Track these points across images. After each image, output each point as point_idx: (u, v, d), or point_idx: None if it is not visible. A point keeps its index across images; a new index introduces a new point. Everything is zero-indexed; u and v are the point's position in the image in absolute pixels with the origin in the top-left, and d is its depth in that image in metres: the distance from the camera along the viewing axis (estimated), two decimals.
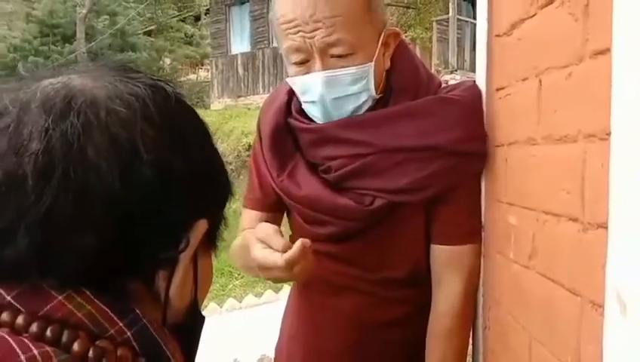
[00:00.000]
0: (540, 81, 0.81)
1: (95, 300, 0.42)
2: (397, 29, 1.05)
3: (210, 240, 0.50)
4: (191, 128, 0.48)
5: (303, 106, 1.05)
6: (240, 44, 12.94)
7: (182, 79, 15.87)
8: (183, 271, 0.46)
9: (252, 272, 1.00)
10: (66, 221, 0.41)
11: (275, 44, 12.06)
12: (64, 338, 0.40)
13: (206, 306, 5.25)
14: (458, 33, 10.50)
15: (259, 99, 10.41)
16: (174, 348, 0.45)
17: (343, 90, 0.98)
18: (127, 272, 0.43)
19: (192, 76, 16.87)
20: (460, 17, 10.55)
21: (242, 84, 12.60)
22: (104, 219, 0.41)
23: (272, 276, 0.90)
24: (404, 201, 1.01)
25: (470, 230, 1.06)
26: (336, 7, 0.94)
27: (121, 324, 0.42)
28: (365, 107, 1.02)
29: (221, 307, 5.11)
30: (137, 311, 0.43)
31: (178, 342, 0.46)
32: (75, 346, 0.40)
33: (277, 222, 1.16)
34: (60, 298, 0.41)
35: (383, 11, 1.02)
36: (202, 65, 17.34)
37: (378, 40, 0.99)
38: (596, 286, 0.62)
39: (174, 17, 18.12)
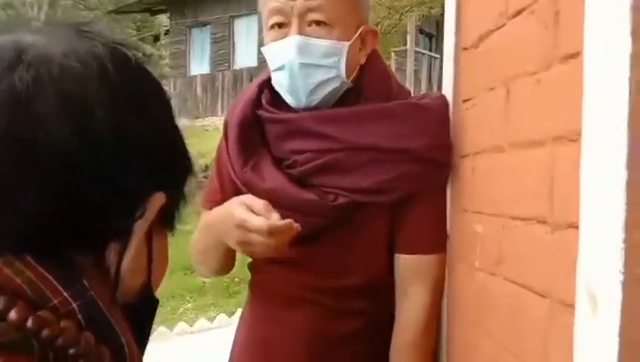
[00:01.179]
0: (508, 89, 0.83)
1: (37, 267, 0.38)
2: (376, 29, 1.07)
3: (168, 219, 0.47)
4: (152, 95, 0.45)
5: (272, 78, 1.04)
6: (199, 65, 12.90)
7: None
8: (136, 245, 0.43)
9: (224, 239, 0.96)
10: (8, 177, 0.38)
11: (235, 67, 12.09)
12: None
13: (155, 329, 5.07)
14: (415, 65, 10.81)
15: (217, 121, 10.34)
16: (124, 327, 0.42)
17: (315, 59, 0.99)
18: (75, 240, 0.40)
19: None
20: (418, 50, 10.89)
21: (200, 105, 12.50)
22: (51, 178, 0.38)
23: (248, 239, 0.90)
24: (367, 201, 1.01)
25: (437, 240, 1.06)
26: None
27: (65, 295, 0.39)
28: (333, 86, 1.01)
29: (171, 331, 4.94)
30: (85, 282, 0.40)
31: (129, 322, 0.43)
32: (12, 314, 0.36)
33: None
34: None
35: (366, 9, 1.05)
36: None
37: (357, 30, 1.01)
38: (566, 286, 0.63)
39: (133, 37, 17.93)
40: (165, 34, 15.68)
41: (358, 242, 1.04)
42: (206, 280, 5.77)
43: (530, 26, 0.75)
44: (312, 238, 1.03)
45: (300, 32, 0.98)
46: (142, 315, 0.48)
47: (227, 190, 1.09)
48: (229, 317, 4.83)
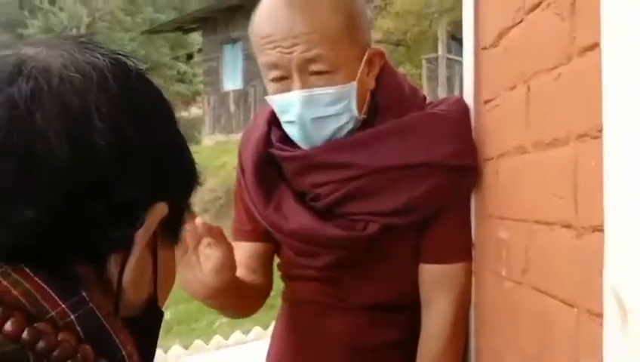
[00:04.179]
0: (529, 87, 0.79)
1: (35, 278, 0.38)
2: (381, 48, 1.01)
3: (172, 230, 0.46)
4: (153, 105, 0.44)
5: (283, 127, 1.00)
6: (232, 81, 13.07)
7: None
8: (137, 256, 0.42)
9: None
10: (7, 189, 0.37)
11: None
12: None
13: (191, 343, 5.11)
14: (448, 72, 10.66)
15: None
16: (126, 338, 0.41)
17: (323, 110, 0.94)
18: (74, 251, 0.39)
19: (184, 113, 16.98)
20: (450, 56, 10.74)
21: (234, 121, 12.66)
22: (50, 190, 0.38)
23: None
24: (398, 223, 0.97)
25: (461, 248, 1.02)
26: (314, 22, 0.91)
27: (63, 306, 0.38)
28: (347, 128, 0.98)
29: (207, 344, 4.98)
30: (85, 294, 0.39)
31: (132, 336, 0.42)
32: (8, 326, 0.36)
33: (271, 251, 1.11)
34: None
35: (367, 31, 0.99)
36: (194, 103, 17.48)
37: (361, 59, 0.96)
38: (593, 295, 0.58)
39: (167, 56, 18.37)
40: (198, 52, 16.01)
41: (388, 260, 1.01)
42: None
43: (547, 19, 0.72)
44: (343, 264, 1.01)
45: (303, 85, 0.92)
46: (147, 329, 0.46)
47: (256, 219, 1.05)
48: (264, 329, 4.83)
